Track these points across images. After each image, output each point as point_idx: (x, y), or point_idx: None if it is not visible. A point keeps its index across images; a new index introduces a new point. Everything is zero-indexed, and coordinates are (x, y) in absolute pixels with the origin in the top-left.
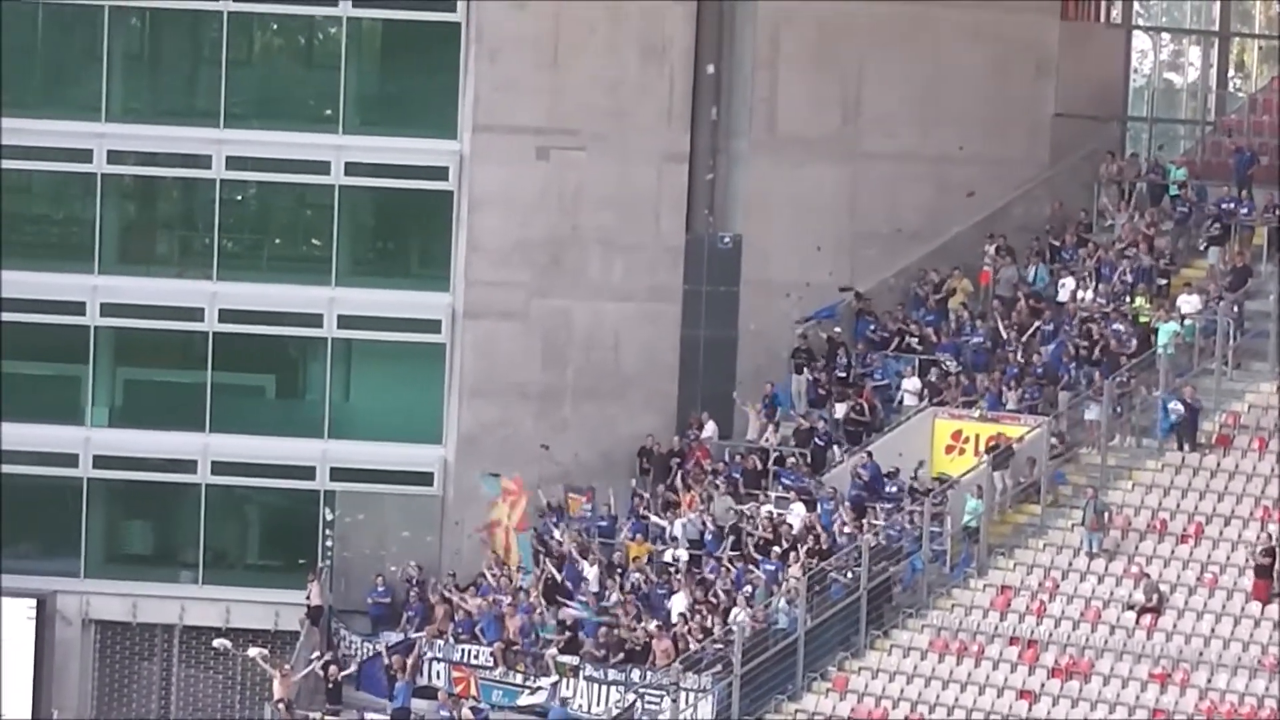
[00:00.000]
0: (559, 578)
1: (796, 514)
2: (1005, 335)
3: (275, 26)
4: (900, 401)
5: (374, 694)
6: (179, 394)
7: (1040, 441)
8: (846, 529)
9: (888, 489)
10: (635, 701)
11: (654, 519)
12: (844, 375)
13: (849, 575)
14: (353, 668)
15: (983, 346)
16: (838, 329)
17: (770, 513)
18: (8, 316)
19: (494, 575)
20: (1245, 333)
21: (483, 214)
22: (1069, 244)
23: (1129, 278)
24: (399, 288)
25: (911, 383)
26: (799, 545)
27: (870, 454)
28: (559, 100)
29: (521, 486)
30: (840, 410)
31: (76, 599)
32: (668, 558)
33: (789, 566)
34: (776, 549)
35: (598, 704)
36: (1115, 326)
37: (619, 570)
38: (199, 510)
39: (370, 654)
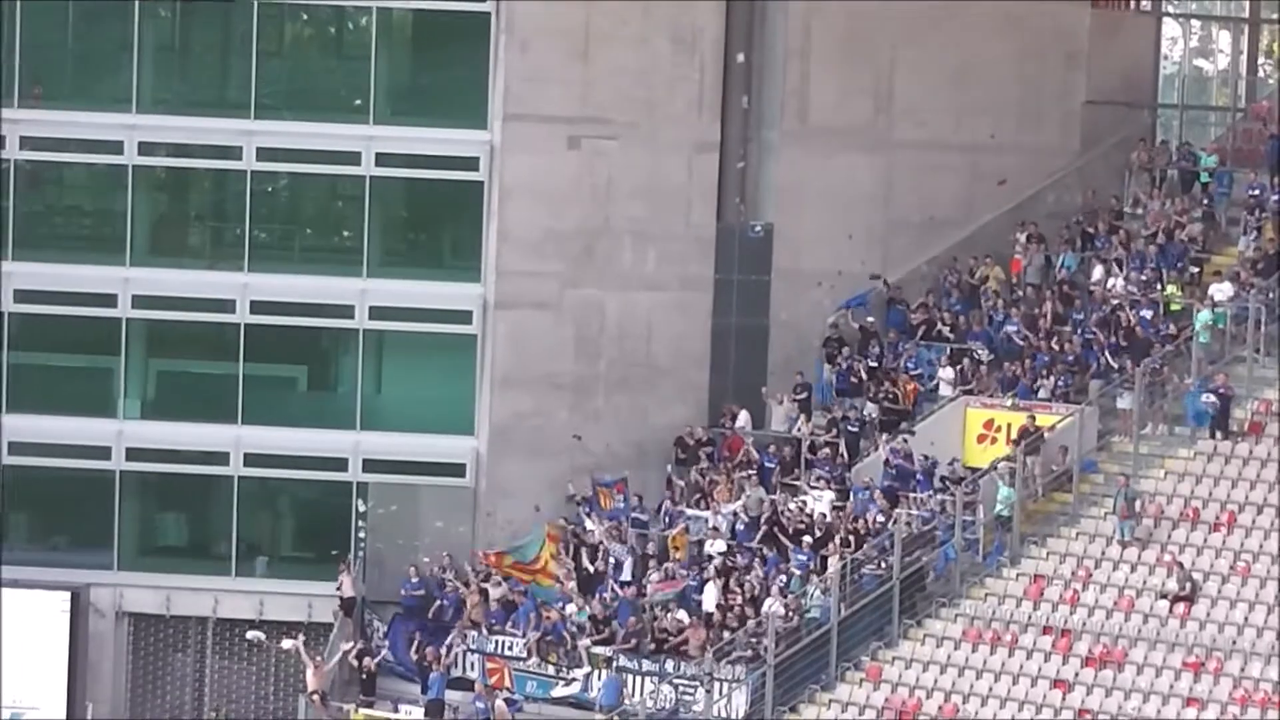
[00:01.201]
0: (591, 569)
1: (825, 503)
2: (1037, 324)
3: (305, 17)
4: (936, 390)
5: (405, 678)
6: (211, 386)
7: (1072, 430)
8: (880, 518)
9: (918, 475)
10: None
11: (691, 511)
12: (875, 365)
13: (882, 565)
14: (384, 653)
15: (1015, 335)
16: (870, 319)
17: (801, 502)
18: (40, 309)
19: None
20: (1277, 320)
21: (514, 204)
22: (1100, 231)
23: (1159, 265)
24: (430, 279)
25: (947, 372)
26: (833, 535)
27: (906, 439)
28: (590, 90)
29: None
30: (871, 410)
31: (110, 592)
32: (707, 549)
33: (822, 556)
34: (808, 539)
35: (632, 695)
36: (1144, 313)
37: (654, 559)
38: (231, 502)
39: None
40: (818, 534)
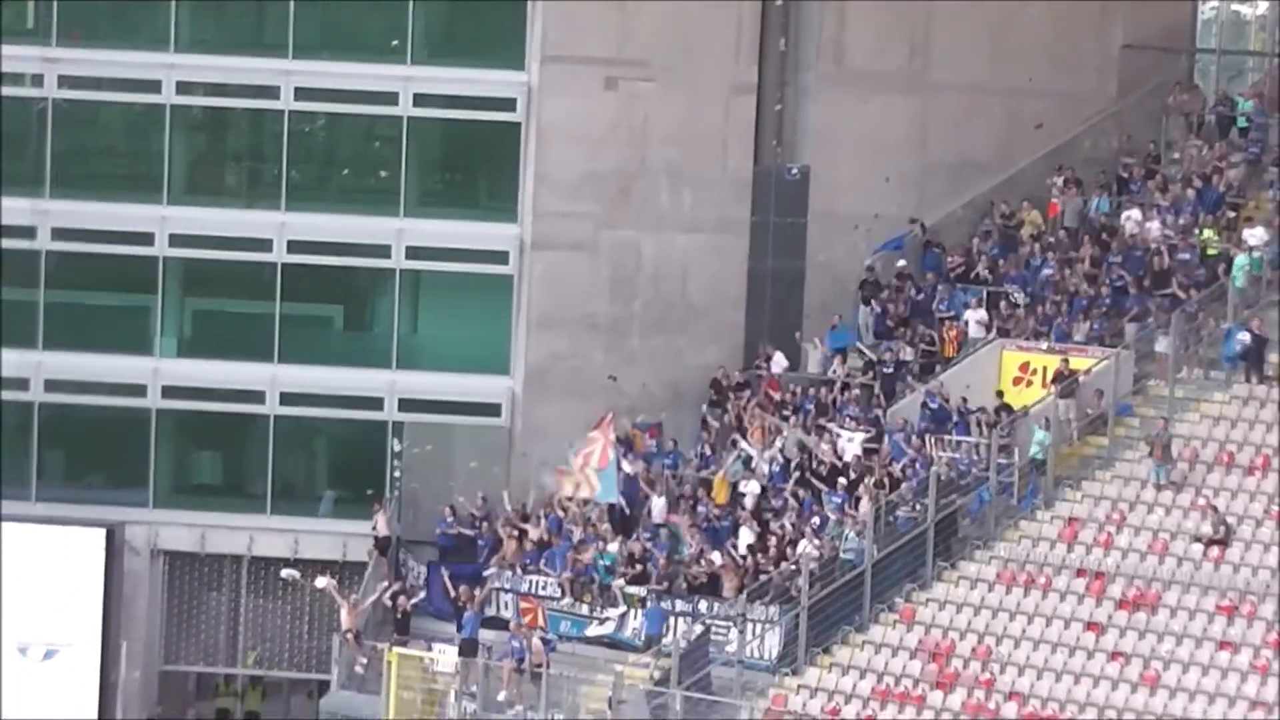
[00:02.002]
0: (627, 510)
1: (857, 444)
2: (1073, 267)
3: None
4: (965, 332)
5: (439, 617)
6: (247, 325)
7: (1108, 373)
8: (915, 460)
9: (954, 418)
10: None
11: (743, 443)
12: (911, 308)
13: (916, 507)
14: (420, 596)
15: (1051, 278)
16: (902, 262)
17: (832, 443)
18: (77, 248)
19: (562, 505)
20: None
21: (551, 146)
22: (1136, 176)
23: (1196, 209)
24: (467, 219)
25: (977, 314)
26: (866, 477)
27: (942, 382)
28: (627, 32)
29: (607, 425)
30: (908, 353)
31: (145, 530)
32: (741, 489)
33: (855, 498)
34: (842, 480)
35: (667, 635)
36: (1182, 256)
37: (689, 501)
38: (267, 441)
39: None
40: (852, 476)
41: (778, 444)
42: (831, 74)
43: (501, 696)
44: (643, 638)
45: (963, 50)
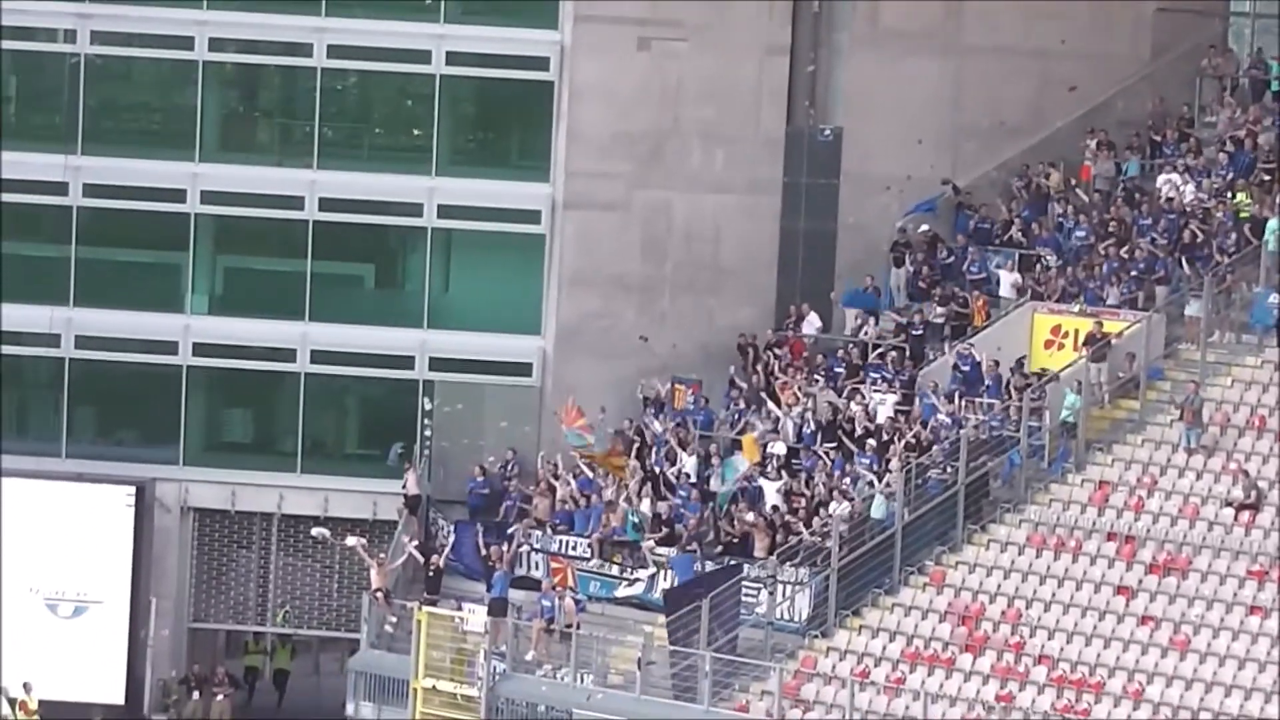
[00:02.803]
0: (648, 468)
1: (888, 406)
2: (1102, 230)
3: None
4: (989, 302)
5: (469, 576)
6: (278, 282)
7: (1140, 337)
8: (946, 421)
9: (987, 381)
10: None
11: (770, 406)
12: (942, 270)
13: (947, 469)
14: (448, 552)
15: (1084, 241)
16: (924, 227)
17: (864, 405)
18: (110, 204)
19: (589, 463)
20: None
21: (583, 105)
22: (1170, 139)
23: (1229, 173)
24: (499, 178)
25: (1011, 276)
26: (897, 438)
27: (972, 345)
28: None
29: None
30: (939, 313)
31: (175, 487)
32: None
33: (886, 460)
34: (872, 442)
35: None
36: (1215, 220)
37: (718, 459)
38: (297, 399)
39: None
40: (883, 438)
41: (806, 405)
42: (865, 35)
43: (530, 656)
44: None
45: (996, 11)
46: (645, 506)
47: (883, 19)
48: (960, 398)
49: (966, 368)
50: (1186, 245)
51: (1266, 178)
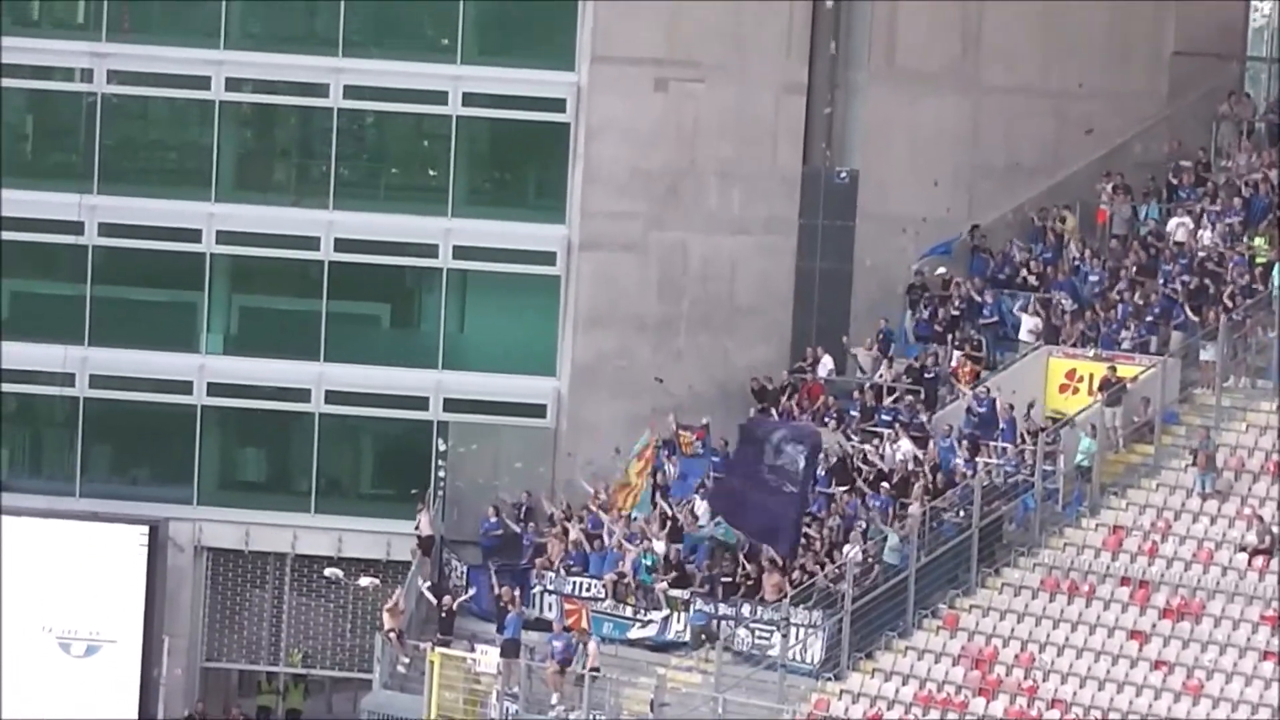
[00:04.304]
0: (671, 513)
1: (902, 449)
2: (1117, 275)
3: None
4: (1016, 338)
5: (482, 617)
6: (294, 322)
7: (1154, 381)
8: (962, 465)
9: (1002, 425)
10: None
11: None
12: (958, 313)
13: (960, 513)
14: (469, 594)
15: (1100, 285)
16: (941, 269)
17: (877, 447)
18: (125, 243)
19: (601, 505)
20: None
21: (600, 145)
22: (1186, 183)
23: (1245, 217)
24: (515, 219)
25: (1031, 321)
26: (912, 481)
27: (989, 389)
28: (677, 31)
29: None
30: (955, 358)
31: (189, 526)
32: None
33: (901, 503)
34: (886, 485)
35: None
36: (1231, 265)
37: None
38: (312, 439)
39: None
40: (895, 480)
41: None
42: (882, 74)
43: (554, 700)
44: (689, 633)
45: (1014, 51)
46: (660, 546)
47: (899, 59)
48: (975, 441)
49: (982, 410)
50: (1198, 290)
51: None
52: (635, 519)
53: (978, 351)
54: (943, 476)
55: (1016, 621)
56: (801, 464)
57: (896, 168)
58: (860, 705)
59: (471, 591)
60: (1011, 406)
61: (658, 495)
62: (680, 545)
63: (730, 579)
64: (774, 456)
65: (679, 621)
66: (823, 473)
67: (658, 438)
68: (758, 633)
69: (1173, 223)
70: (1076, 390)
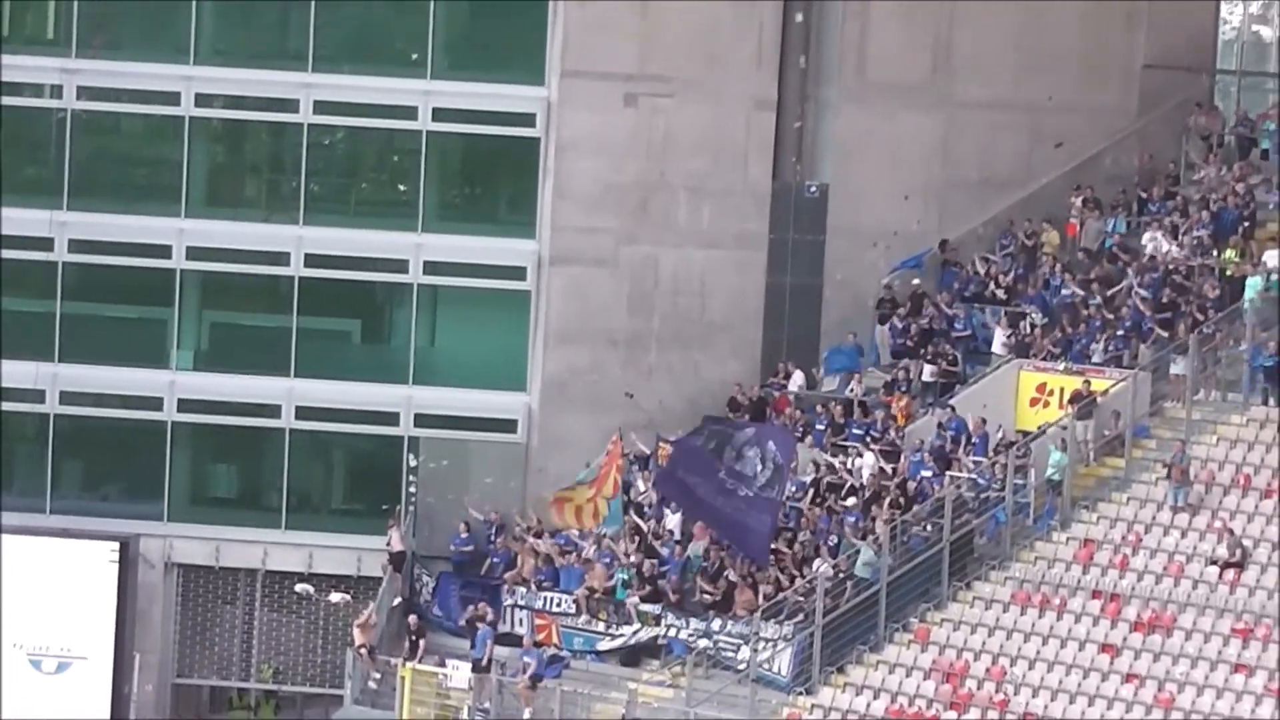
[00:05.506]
0: (645, 528)
1: (867, 464)
2: (1088, 289)
3: None
4: (989, 352)
5: (452, 633)
6: (264, 338)
7: (1125, 395)
8: (931, 479)
9: (974, 439)
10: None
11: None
12: (928, 327)
13: (927, 528)
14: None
15: (1071, 299)
16: (916, 280)
17: (843, 462)
18: (95, 259)
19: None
20: None
21: (570, 160)
22: (1156, 196)
23: (1214, 230)
24: (485, 234)
25: (1003, 335)
26: (882, 496)
27: (954, 408)
28: (648, 47)
29: (619, 449)
30: (928, 372)
31: (160, 542)
32: None
33: (870, 517)
34: (854, 500)
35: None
36: (1201, 278)
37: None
38: (283, 455)
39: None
40: (867, 495)
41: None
42: (852, 89)
43: (526, 715)
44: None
45: (985, 65)
46: (635, 558)
47: (870, 73)
48: (945, 455)
49: (951, 431)
50: (1168, 304)
51: (1252, 237)
52: (604, 534)
53: (952, 366)
54: (914, 488)
55: (988, 635)
56: (761, 469)
57: (867, 182)
58: (831, 719)
59: (435, 611)
60: (984, 421)
61: (631, 511)
62: (656, 560)
63: (710, 594)
64: (734, 460)
65: (648, 636)
66: (793, 488)
67: (630, 454)
68: (724, 646)
69: (1144, 236)
70: (1047, 404)
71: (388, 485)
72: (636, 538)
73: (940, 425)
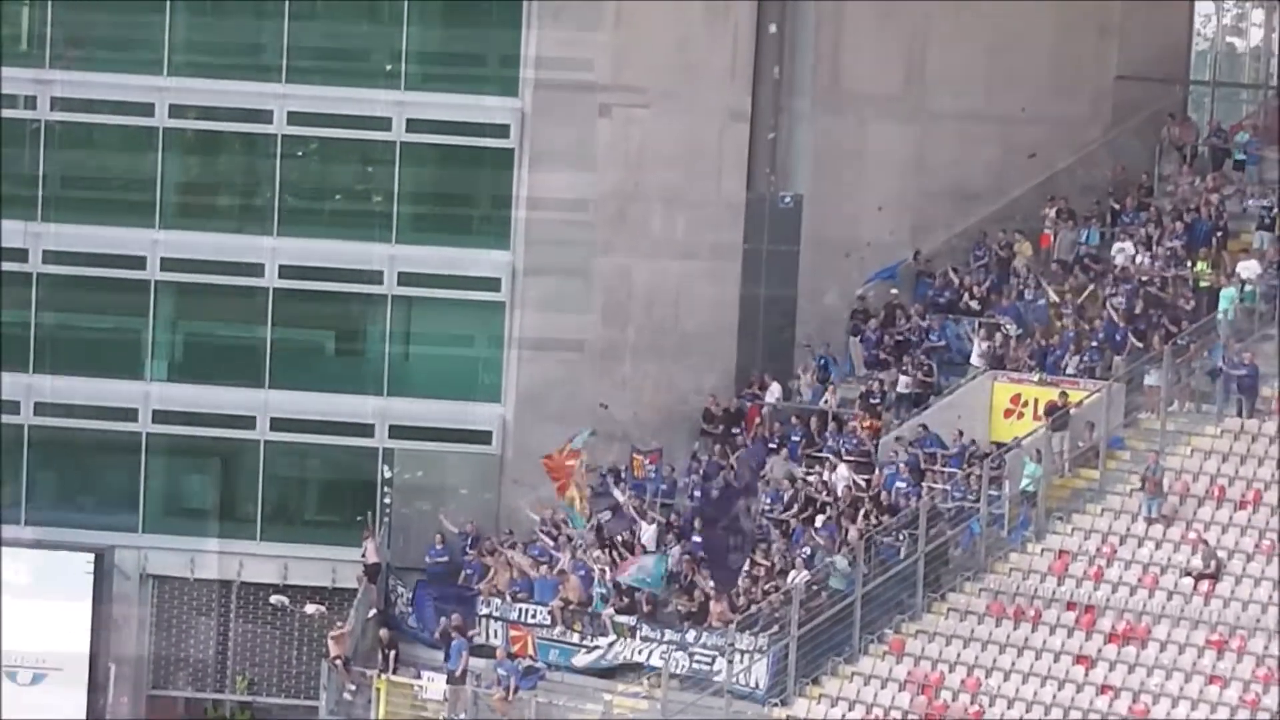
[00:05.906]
0: (605, 532)
1: (840, 476)
2: (1062, 299)
3: None
4: (966, 363)
5: (428, 645)
6: (239, 349)
7: (1099, 406)
8: (905, 490)
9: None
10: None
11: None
12: (902, 338)
13: (901, 537)
14: (409, 621)
15: (1045, 310)
16: (894, 291)
17: (817, 474)
18: (69, 270)
19: (547, 532)
20: None
21: (544, 171)
22: (1129, 207)
23: (1188, 241)
24: (460, 244)
25: (980, 345)
26: (858, 507)
27: (925, 426)
28: (621, 58)
29: (579, 460)
30: (902, 383)
31: (134, 554)
32: None
33: (845, 529)
34: (828, 512)
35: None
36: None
37: (678, 530)
38: (257, 466)
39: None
40: (841, 507)
41: (767, 474)
42: (826, 100)
43: None
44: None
45: (958, 76)
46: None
47: (844, 84)
48: (920, 466)
49: (926, 444)
50: (1140, 315)
51: (1224, 248)
52: (578, 544)
53: (927, 377)
54: (887, 500)
55: (963, 646)
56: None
57: (841, 193)
58: None
59: (411, 621)
60: (961, 432)
61: (603, 528)
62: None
63: (686, 606)
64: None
65: (624, 647)
66: (769, 500)
67: (600, 465)
68: (700, 659)
69: (1115, 248)
70: (1021, 415)
71: (362, 497)
72: (610, 550)
73: (911, 444)
